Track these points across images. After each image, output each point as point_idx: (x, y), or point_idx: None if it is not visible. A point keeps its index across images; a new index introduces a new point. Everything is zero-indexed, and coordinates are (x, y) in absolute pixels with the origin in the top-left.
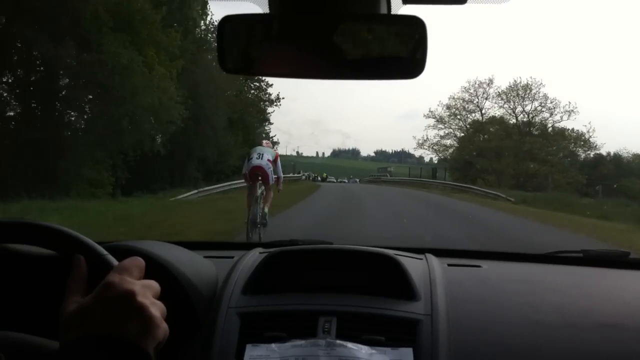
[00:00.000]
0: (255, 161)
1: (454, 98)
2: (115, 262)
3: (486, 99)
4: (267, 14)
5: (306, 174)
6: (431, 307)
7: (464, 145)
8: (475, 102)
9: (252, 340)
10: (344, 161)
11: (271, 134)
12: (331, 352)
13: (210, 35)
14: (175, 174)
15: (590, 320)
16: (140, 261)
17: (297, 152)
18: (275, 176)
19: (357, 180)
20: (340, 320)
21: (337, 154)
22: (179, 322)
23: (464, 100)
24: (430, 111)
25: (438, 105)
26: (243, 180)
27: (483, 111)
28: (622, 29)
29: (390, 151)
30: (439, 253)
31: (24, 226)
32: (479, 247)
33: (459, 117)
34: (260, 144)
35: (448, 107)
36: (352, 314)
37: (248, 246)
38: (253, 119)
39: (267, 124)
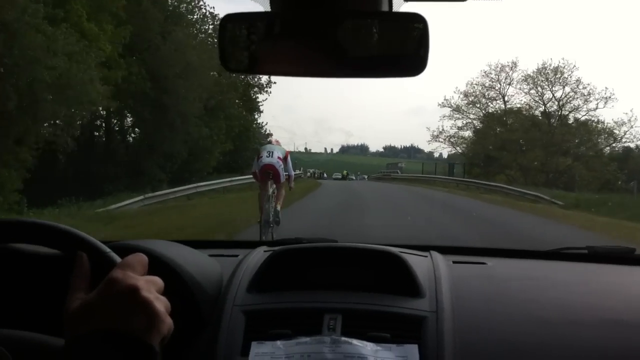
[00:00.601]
0: (266, 159)
1: (472, 84)
2: (118, 259)
3: (509, 84)
4: (268, 12)
5: (311, 171)
6: (436, 304)
7: (484, 137)
8: (497, 88)
9: (257, 337)
10: (352, 157)
11: (269, 129)
12: (336, 349)
13: (185, 6)
14: (132, 174)
15: (596, 317)
16: (143, 257)
17: (306, 149)
18: (286, 174)
19: (366, 177)
20: (346, 317)
21: (345, 150)
22: (184, 321)
23: (483, 86)
24: (445, 99)
25: (455, 92)
26: (210, 182)
27: (506, 98)
28: None
29: (400, 146)
30: (444, 250)
31: (26, 225)
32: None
33: (478, 105)
34: (270, 142)
35: (466, 95)
36: (357, 311)
37: (253, 244)
38: (237, 108)
39: (257, 113)
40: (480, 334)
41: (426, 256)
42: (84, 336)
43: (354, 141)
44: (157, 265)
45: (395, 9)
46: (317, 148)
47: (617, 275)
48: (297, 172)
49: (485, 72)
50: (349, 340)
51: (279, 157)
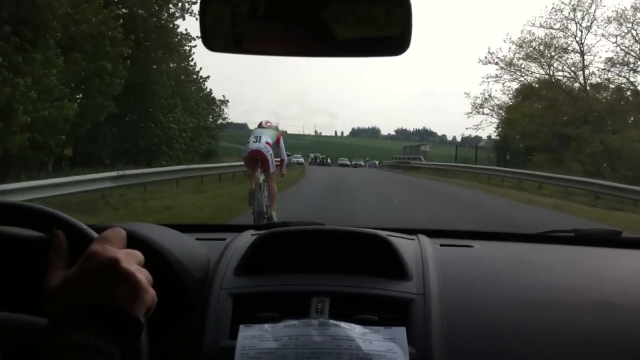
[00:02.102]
0: (253, 145)
1: (530, 31)
2: (95, 234)
3: (589, 27)
4: None
5: (312, 155)
6: (423, 287)
7: (552, 108)
8: (570, 32)
9: (245, 321)
10: (364, 140)
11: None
12: (324, 331)
13: None
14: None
15: (582, 299)
16: (121, 231)
17: (316, 132)
18: (278, 160)
19: (377, 163)
20: (333, 300)
21: (356, 132)
22: (171, 304)
23: (551, 29)
24: (489, 53)
25: (505, 40)
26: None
27: (584, 47)
28: None
29: (412, 129)
30: (431, 234)
31: None
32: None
33: (541, 59)
34: (261, 126)
35: (521, 45)
36: (344, 294)
37: (240, 228)
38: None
39: (201, 79)
40: (467, 316)
41: (413, 239)
42: (66, 311)
43: (365, 124)
44: (143, 247)
45: None
46: (327, 132)
47: (604, 258)
48: (296, 156)
49: (554, 8)
50: (337, 322)
51: (267, 142)
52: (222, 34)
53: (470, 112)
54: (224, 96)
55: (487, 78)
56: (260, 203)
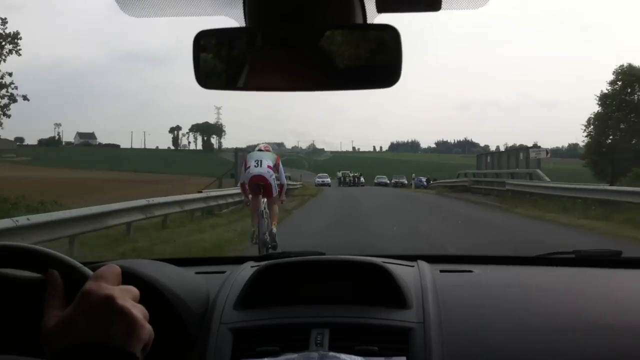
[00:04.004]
0: (254, 170)
1: None
2: (90, 272)
3: None
4: (243, 27)
5: (340, 174)
6: (423, 315)
7: None
8: None
9: (245, 355)
10: (403, 154)
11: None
12: None
13: None
14: None
15: (583, 322)
16: (115, 268)
17: (354, 148)
18: (278, 183)
19: (424, 180)
20: (333, 331)
21: (395, 147)
22: (171, 340)
23: None
24: None
25: None
26: None
27: None
28: None
29: (453, 141)
30: (431, 259)
31: None
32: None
33: None
34: (259, 149)
35: None
36: (344, 325)
37: (240, 260)
38: None
39: None
40: (468, 343)
41: (413, 266)
42: (64, 352)
43: (404, 137)
44: (139, 283)
45: (369, 20)
46: (365, 147)
47: (604, 279)
48: (321, 176)
49: None
50: (337, 355)
51: (269, 166)
52: (214, 72)
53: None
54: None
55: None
56: (263, 232)
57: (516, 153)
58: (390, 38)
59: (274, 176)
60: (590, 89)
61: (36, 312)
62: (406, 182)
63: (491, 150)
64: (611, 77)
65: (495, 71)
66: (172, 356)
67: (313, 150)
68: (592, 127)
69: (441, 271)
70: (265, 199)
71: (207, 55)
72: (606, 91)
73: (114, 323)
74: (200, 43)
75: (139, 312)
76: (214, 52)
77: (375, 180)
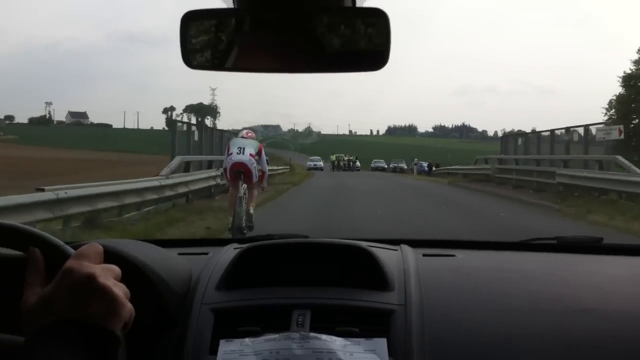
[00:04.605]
0: (236, 157)
1: None
2: (72, 251)
3: None
4: (232, 8)
5: (333, 157)
6: (405, 297)
7: None
8: None
9: (226, 335)
10: (401, 138)
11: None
12: (305, 344)
13: None
14: None
15: (564, 306)
16: (97, 247)
17: (350, 131)
18: (260, 171)
19: (425, 165)
20: (314, 313)
21: (392, 131)
22: (151, 319)
23: None
24: None
25: None
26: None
27: None
28: None
29: (451, 126)
30: (414, 244)
31: None
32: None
33: None
34: (242, 136)
35: None
36: (325, 307)
37: (223, 242)
38: None
39: None
40: (449, 326)
41: (396, 250)
42: (44, 329)
43: (401, 121)
44: (120, 262)
45: (358, 4)
46: (362, 130)
47: (585, 265)
48: (313, 160)
49: None
50: (318, 335)
51: (250, 154)
52: (202, 53)
53: None
54: None
55: None
56: (239, 217)
57: (570, 134)
58: (379, 22)
59: (255, 164)
60: (587, 76)
61: (17, 290)
62: (405, 167)
63: (489, 135)
64: (635, 56)
65: (494, 57)
66: (153, 335)
67: (299, 133)
68: (613, 110)
69: (424, 255)
70: (245, 185)
71: (194, 35)
72: (630, 71)
73: (95, 301)
74: (188, 23)
75: (120, 290)
76: (202, 32)
77: (372, 165)
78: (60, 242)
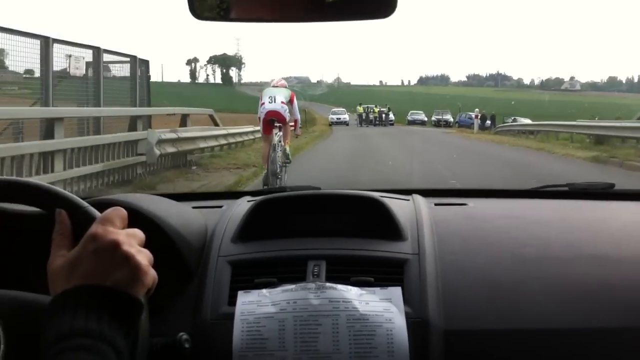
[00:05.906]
0: (269, 106)
1: None
2: (97, 213)
3: None
4: None
5: (360, 109)
6: (418, 247)
7: None
8: None
9: (243, 287)
10: (433, 88)
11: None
12: (321, 294)
13: None
14: None
15: (576, 253)
16: (122, 211)
17: (380, 81)
18: (293, 119)
19: (473, 117)
20: (329, 263)
21: (424, 81)
22: (170, 273)
23: None
24: None
25: None
26: None
27: None
28: None
29: (485, 74)
30: (426, 193)
31: (1, 184)
32: None
33: None
34: (274, 85)
35: None
36: (340, 257)
37: (237, 195)
38: None
39: None
40: (461, 274)
41: (408, 200)
42: (69, 292)
43: (433, 71)
44: (139, 219)
45: None
46: (393, 81)
47: (597, 211)
48: (336, 112)
49: None
50: (333, 285)
51: (282, 102)
52: (209, 2)
53: None
54: None
55: None
56: (274, 162)
57: None
58: None
59: (287, 110)
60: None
61: (38, 248)
62: (451, 119)
63: (524, 83)
64: None
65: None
66: (173, 289)
67: (308, 84)
68: None
69: (436, 204)
70: (280, 133)
71: None
72: None
73: (119, 268)
74: None
75: (144, 258)
76: None
77: (409, 117)
78: (85, 204)
